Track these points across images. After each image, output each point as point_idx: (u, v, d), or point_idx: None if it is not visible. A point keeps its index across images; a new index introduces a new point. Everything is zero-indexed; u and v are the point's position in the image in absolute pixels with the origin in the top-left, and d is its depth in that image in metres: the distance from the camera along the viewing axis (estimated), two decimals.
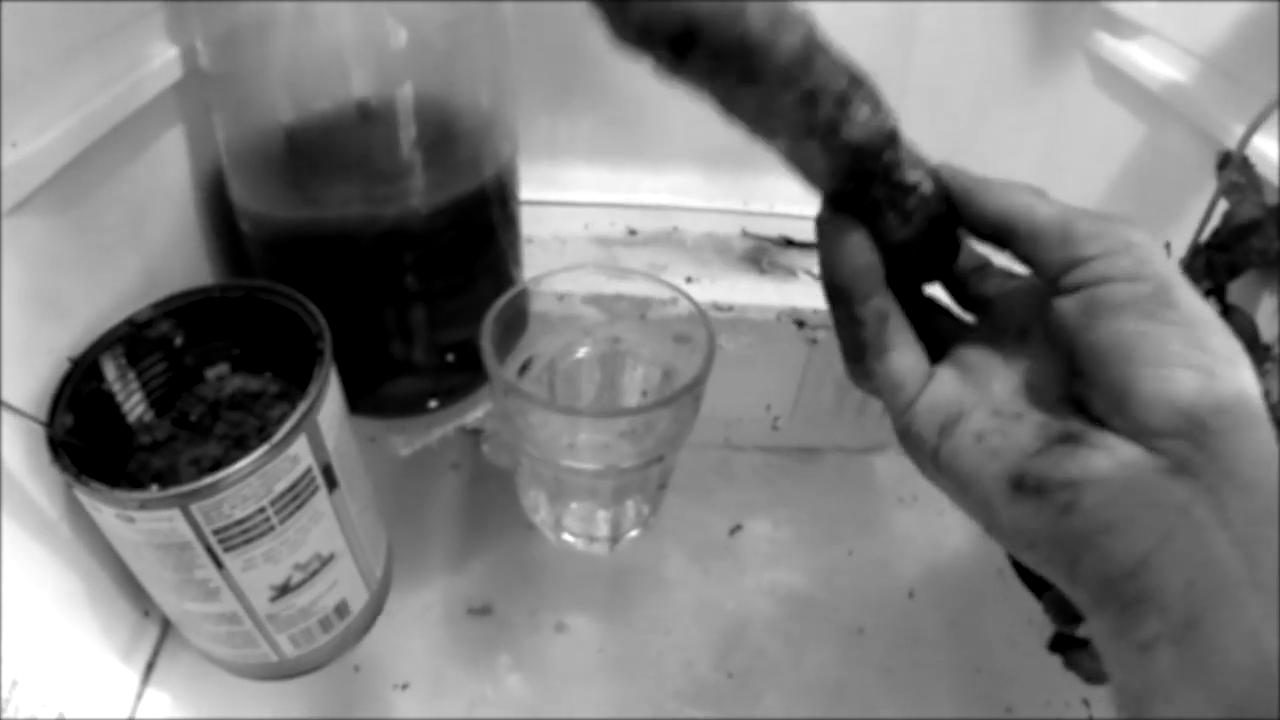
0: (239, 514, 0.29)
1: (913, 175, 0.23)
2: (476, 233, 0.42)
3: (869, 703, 0.43)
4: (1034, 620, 0.47)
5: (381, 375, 0.44)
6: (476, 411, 0.48)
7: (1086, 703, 0.43)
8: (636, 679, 0.43)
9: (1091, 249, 0.21)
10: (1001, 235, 0.23)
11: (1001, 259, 0.25)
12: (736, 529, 0.51)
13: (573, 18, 0.53)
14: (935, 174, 0.24)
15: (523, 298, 0.43)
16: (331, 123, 0.37)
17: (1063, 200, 0.23)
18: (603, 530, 0.45)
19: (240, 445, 0.34)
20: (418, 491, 0.51)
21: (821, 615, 0.47)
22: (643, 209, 0.60)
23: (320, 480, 0.32)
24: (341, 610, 0.36)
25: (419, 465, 0.51)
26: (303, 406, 0.30)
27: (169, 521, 0.28)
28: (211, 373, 0.37)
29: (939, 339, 0.26)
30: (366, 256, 0.39)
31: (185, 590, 0.32)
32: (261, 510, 0.30)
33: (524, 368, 0.44)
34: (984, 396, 0.23)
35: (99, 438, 0.32)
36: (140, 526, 0.29)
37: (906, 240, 0.24)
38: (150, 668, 0.40)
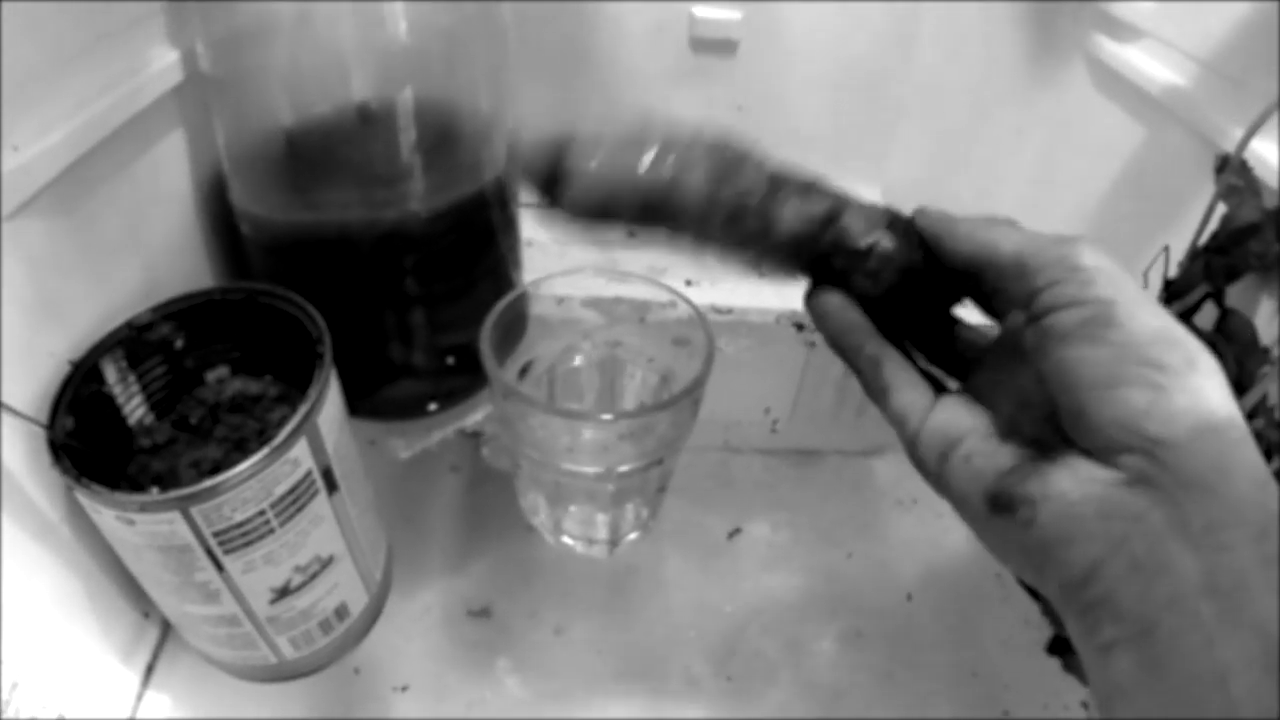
0: (239, 516, 0.29)
1: (866, 240, 0.25)
2: (476, 236, 0.42)
3: (867, 705, 0.43)
4: (1032, 623, 0.47)
5: (381, 378, 0.44)
6: (476, 414, 0.48)
7: (1085, 705, 0.43)
8: (635, 681, 0.43)
9: (1041, 280, 0.22)
10: (975, 274, 0.24)
11: None
12: (735, 532, 0.51)
13: (572, 21, 0.53)
14: (906, 224, 0.25)
15: (522, 301, 0.43)
16: (332, 126, 0.37)
17: (1029, 228, 0.24)
18: (602, 533, 0.45)
19: (240, 448, 0.34)
20: (417, 494, 0.51)
21: (820, 618, 0.47)
22: None
23: (320, 483, 0.32)
24: (341, 612, 0.37)
25: (419, 468, 0.51)
26: (303, 409, 0.30)
27: (169, 524, 0.29)
28: (212, 375, 0.37)
29: (964, 358, 0.27)
30: (366, 260, 0.39)
31: (185, 592, 0.32)
32: (261, 513, 0.30)
33: (524, 371, 0.44)
34: (979, 421, 0.24)
35: (99, 440, 0.32)
36: (140, 529, 0.29)
37: (885, 293, 0.25)
38: (150, 669, 0.40)
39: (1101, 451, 0.20)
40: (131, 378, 0.34)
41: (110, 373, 0.33)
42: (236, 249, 0.43)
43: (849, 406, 0.55)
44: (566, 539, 0.46)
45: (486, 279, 0.43)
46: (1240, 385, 0.37)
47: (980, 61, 0.58)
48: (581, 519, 0.45)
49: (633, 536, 0.47)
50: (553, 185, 0.24)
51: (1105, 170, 0.53)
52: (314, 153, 0.38)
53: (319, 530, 0.33)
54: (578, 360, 0.46)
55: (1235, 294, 0.39)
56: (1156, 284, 0.42)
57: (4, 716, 0.32)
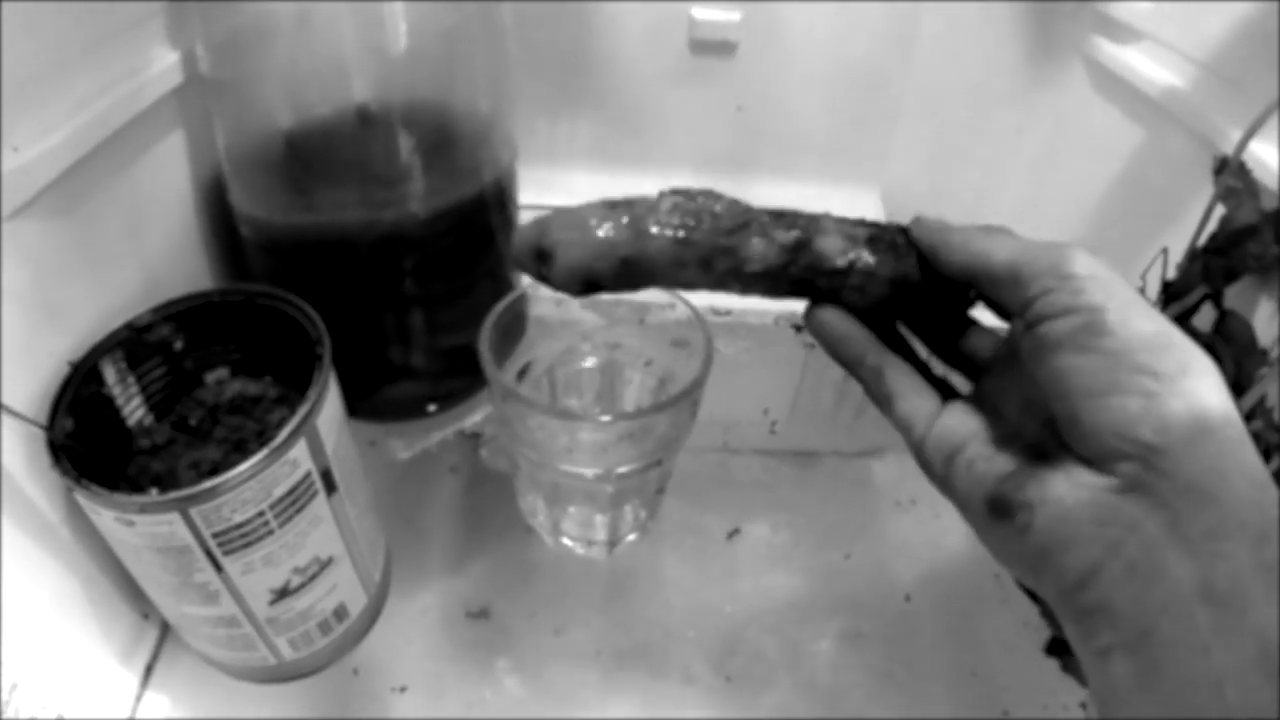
0: (238, 518, 0.29)
1: (844, 259, 0.25)
2: (475, 237, 0.42)
3: (866, 706, 0.43)
4: (1031, 623, 0.47)
5: (380, 379, 0.44)
6: (475, 416, 0.48)
7: (1084, 706, 0.43)
8: (634, 682, 0.43)
9: (1034, 288, 0.22)
10: (971, 284, 0.24)
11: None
12: (734, 533, 0.51)
13: (571, 23, 0.53)
14: (894, 236, 0.26)
15: (521, 302, 0.43)
16: (331, 128, 0.37)
17: (1024, 235, 0.24)
18: (601, 534, 0.46)
19: (239, 449, 0.34)
20: (416, 495, 0.51)
21: (819, 618, 0.47)
22: None
23: (319, 484, 0.32)
24: (340, 613, 0.37)
25: (418, 469, 0.51)
26: (302, 411, 0.30)
27: (168, 525, 0.29)
28: (211, 377, 0.37)
29: (977, 361, 0.27)
30: (366, 261, 0.39)
31: (184, 593, 0.32)
32: (261, 514, 0.30)
33: (522, 372, 0.44)
34: (983, 427, 0.24)
35: (99, 441, 0.32)
36: (140, 530, 0.29)
37: (878, 304, 0.26)
38: (149, 670, 0.40)
39: (1098, 458, 0.20)
40: (131, 379, 0.35)
41: (110, 374, 0.34)
42: (236, 250, 0.43)
43: (848, 407, 0.55)
44: (565, 540, 0.46)
45: (485, 280, 0.43)
46: (1239, 387, 0.37)
47: (979, 62, 0.58)
48: (580, 520, 0.45)
49: (631, 537, 0.47)
50: (540, 264, 0.25)
51: (1104, 171, 0.53)
52: (313, 154, 0.38)
53: (318, 531, 0.33)
54: (577, 362, 0.46)
55: (1233, 295, 0.39)
56: (1155, 285, 0.42)
57: (4, 717, 0.32)
